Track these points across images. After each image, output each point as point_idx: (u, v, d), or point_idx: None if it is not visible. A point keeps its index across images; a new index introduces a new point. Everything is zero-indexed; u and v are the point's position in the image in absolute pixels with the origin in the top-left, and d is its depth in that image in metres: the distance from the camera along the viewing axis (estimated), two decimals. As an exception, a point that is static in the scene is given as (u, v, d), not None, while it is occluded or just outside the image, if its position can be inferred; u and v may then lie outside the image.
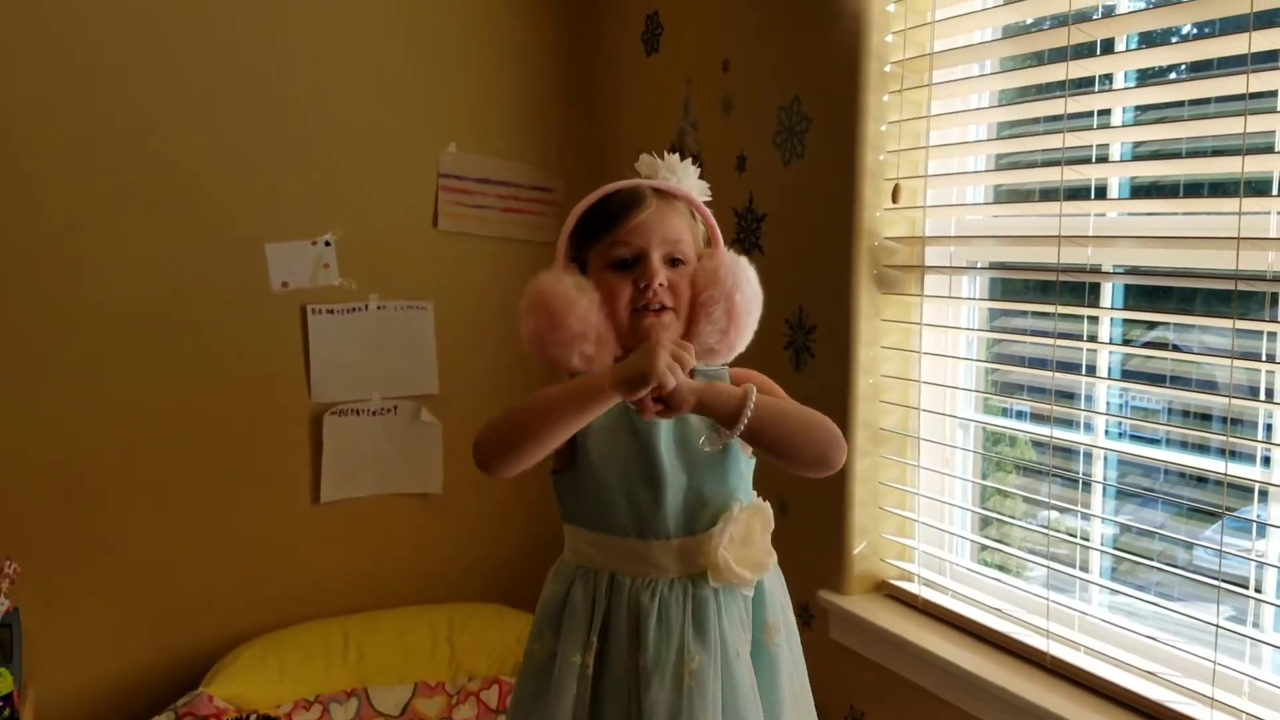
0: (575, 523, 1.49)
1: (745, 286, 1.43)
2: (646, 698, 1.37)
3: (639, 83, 2.69)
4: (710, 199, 1.51)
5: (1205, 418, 1.68)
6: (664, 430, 1.43)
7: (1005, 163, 1.94)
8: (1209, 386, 1.63)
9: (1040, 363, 1.81)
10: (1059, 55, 1.70)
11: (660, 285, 1.39)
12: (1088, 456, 1.75)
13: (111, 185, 2.43)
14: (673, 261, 1.42)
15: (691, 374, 1.46)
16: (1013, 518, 1.93)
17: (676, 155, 1.47)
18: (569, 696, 1.40)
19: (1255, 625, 1.55)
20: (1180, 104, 1.65)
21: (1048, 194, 1.82)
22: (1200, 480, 1.65)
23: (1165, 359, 1.72)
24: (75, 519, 2.46)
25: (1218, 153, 1.57)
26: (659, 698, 1.37)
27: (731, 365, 1.50)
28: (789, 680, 1.50)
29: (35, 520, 2.42)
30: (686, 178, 1.47)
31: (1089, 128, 1.71)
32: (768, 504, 1.46)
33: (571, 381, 1.37)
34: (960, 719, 1.82)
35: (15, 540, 2.35)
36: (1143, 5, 1.72)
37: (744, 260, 1.46)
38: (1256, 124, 1.44)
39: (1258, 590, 1.52)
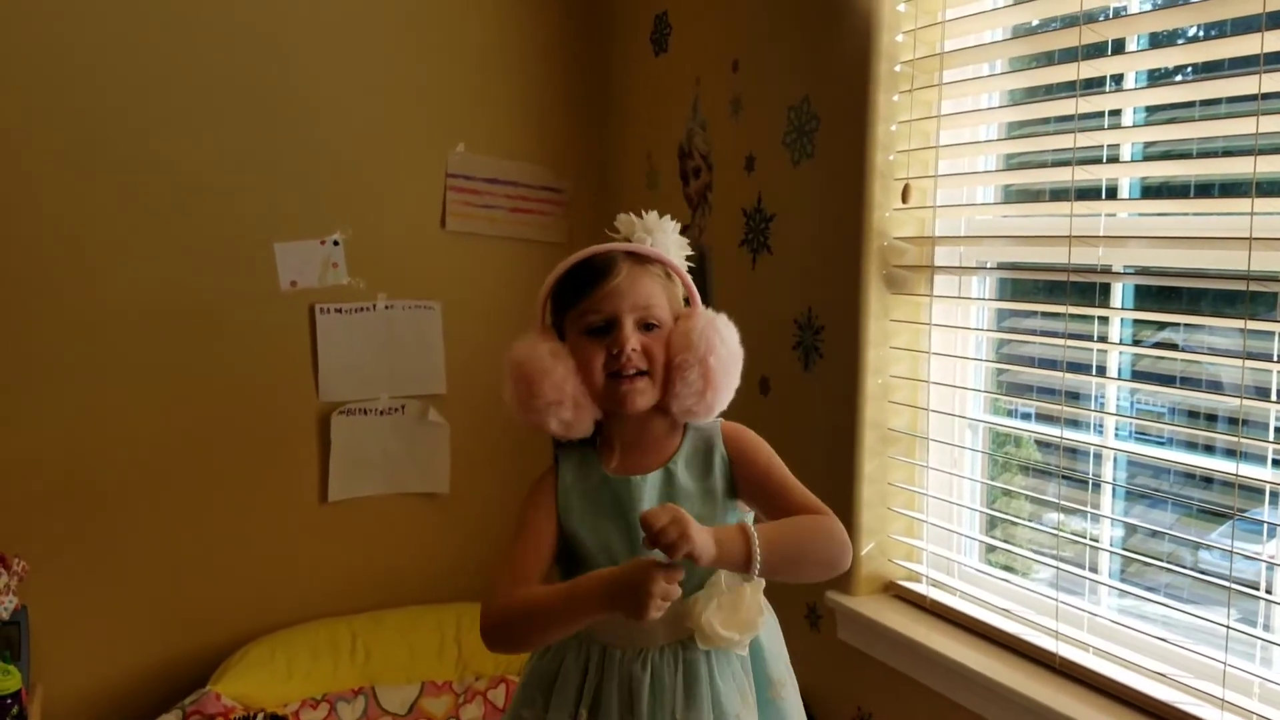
0: None
1: (720, 348, 1.41)
2: None
3: (648, 82, 2.69)
4: (690, 253, 1.50)
5: (1211, 418, 1.67)
6: (646, 502, 1.41)
7: (1015, 163, 1.94)
8: (1216, 387, 1.63)
9: (1050, 363, 1.80)
10: (1069, 55, 1.70)
11: (634, 351, 1.39)
12: (1097, 457, 1.75)
13: (116, 185, 2.44)
14: (647, 326, 1.42)
15: (685, 430, 1.46)
16: (1021, 518, 1.93)
17: (654, 213, 1.47)
18: None
19: (1265, 627, 1.55)
20: (1191, 104, 1.65)
21: (1058, 194, 1.82)
22: (1208, 481, 1.65)
23: (1176, 359, 1.72)
24: (83, 517, 2.47)
25: (1229, 153, 1.57)
26: None
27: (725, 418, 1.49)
28: None
29: (44, 518, 2.43)
30: (663, 236, 1.46)
31: (1099, 128, 1.71)
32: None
33: (566, 595, 1.35)
34: (968, 720, 1.82)
35: (24, 538, 2.36)
36: (1152, 6, 1.72)
37: (722, 319, 1.45)
38: (1268, 124, 1.44)
39: (1268, 591, 1.52)
